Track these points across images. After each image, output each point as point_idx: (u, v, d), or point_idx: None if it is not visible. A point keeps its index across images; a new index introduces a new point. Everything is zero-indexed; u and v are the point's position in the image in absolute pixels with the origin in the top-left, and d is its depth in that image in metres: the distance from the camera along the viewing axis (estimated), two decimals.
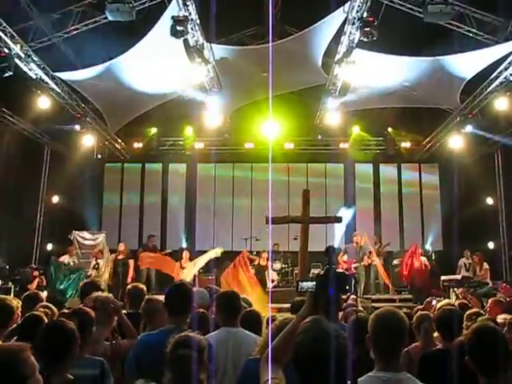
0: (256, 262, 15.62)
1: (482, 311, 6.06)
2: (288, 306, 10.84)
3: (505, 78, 12.92)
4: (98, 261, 15.56)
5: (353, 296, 5.14)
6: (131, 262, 15.62)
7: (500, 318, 5.68)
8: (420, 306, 8.03)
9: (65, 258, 15.50)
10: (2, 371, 2.55)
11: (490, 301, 7.46)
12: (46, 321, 4.45)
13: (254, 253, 16.46)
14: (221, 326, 4.69)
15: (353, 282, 2.89)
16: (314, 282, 2.90)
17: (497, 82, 13.31)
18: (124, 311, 5.51)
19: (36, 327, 3.91)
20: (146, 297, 5.45)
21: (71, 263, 15.56)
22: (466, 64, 13.23)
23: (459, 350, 3.50)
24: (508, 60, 12.23)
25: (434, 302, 7.63)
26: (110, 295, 5.07)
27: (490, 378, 3.17)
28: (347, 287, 2.87)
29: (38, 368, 2.76)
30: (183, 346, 3.37)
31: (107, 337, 4.72)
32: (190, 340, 3.42)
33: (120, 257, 15.65)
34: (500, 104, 13.93)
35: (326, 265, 2.93)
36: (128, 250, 16.10)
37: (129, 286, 6.19)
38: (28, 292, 7.30)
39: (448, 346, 4.33)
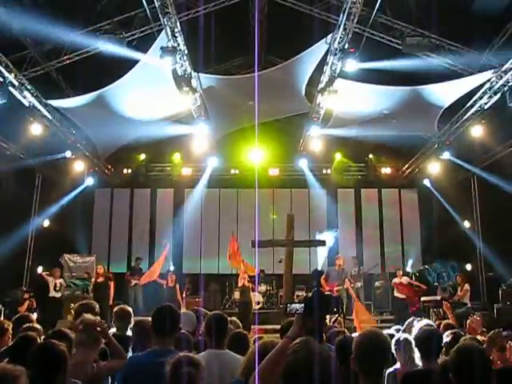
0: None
1: (461, 332, 6.15)
2: (273, 327, 11.21)
3: (479, 106, 13.35)
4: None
5: (340, 318, 5.18)
6: (111, 284, 15.73)
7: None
8: (400, 327, 8.11)
9: (50, 280, 15.89)
10: None
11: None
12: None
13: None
14: (208, 348, 4.71)
15: (340, 303, 3.02)
16: (303, 304, 2.96)
17: (472, 111, 13.70)
18: (111, 331, 5.61)
19: (29, 348, 3.85)
20: (136, 319, 5.45)
21: (58, 285, 15.86)
22: (442, 93, 13.63)
23: (442, 370, 3.58)
24: (482, 89, 12.65)
25: (415, 323, 7.31)
26: (98, 317, 5.04)
27: None
28: (334, 309, 2.98)
29: None
30: (185, 365, 3.42)
31: (95, 359, 4.64)
32: (190, 359, 3.51)
33: (99, 280, 15.67)
34: (475, 131, 14.41)
35: (313, 287, 3.14)
36: (106, 273, 16.25)
37: (115, 308, 6.11)
38: (19, 314, 7.34)
39: (429, 366, 4.37)
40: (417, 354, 5.08)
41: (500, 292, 15.20)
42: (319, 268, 15.86)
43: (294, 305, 3.02)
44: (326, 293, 3.11)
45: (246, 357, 4.04)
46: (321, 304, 2.89)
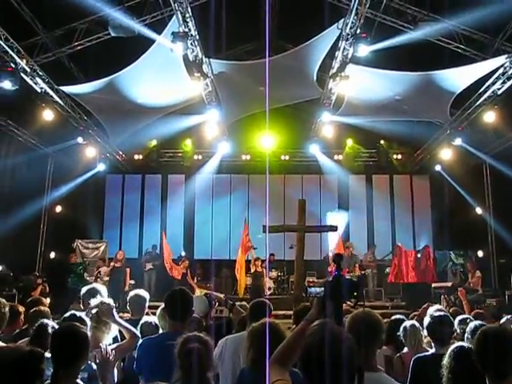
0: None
1: (471, 317, 5.98)
2: (284, 312, 11.23)
3: (492, 92, 13.26)
4: (100, 269, 15.90)
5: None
6: (127, 270, 15.96)
7: None
8: (416, 313, 8.07)
9: None
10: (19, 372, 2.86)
11: None
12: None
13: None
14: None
15: (359, 288, 3.00)
16: (322, 288, 2.95)
17: (485, 96, 13.59)
18: (128, 315, 5.71)
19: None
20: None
21: None
22: (455, 79, 13.52)
23: (457, 354, 3.55)
24: (495, 75, 12.58)
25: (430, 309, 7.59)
26: (106, 300, 4.96)
27: (498, 379, 3.15)
28: (354, 293, 2.96)
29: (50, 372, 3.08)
30: (192, 342, 3.53)
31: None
32: (199, 337, 3.61)
33: (117, 264, 15.90)
34: (488, 117, 14.24)
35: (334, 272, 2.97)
36: (125, 259, 16.43)
37: (131, 293, 5.99)
38: (31, 298, 7.49)
39: (440, 351, 4.25)
40: (426, 339, 5.14)
41: (511, 278, 15.18)
42: (330, 253, 15.94)
43: (313, 288, 3.06)
44: (347, 277, 3.06)
45: (245, 345, 4.02)
46: (340, 288, 2.87)
